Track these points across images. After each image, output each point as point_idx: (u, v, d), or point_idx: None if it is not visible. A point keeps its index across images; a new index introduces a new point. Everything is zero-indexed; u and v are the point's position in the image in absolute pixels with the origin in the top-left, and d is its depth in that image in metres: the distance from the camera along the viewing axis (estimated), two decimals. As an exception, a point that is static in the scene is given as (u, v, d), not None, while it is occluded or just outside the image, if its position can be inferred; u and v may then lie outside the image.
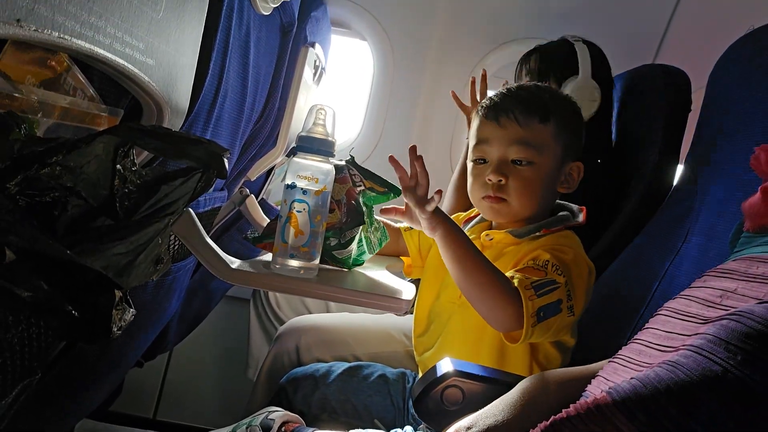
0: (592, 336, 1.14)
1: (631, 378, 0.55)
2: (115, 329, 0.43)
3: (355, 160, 0.99)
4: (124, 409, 2.02)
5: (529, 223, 1.09)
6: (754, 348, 0.50)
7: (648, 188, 1.50)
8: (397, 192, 0.93)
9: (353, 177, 0.94)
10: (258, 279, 0.86)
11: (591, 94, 1.54)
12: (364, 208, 0.94)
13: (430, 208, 0.91)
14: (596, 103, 1.54)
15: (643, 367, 0.62)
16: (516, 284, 0.91)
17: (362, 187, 0.93)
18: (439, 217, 0.93)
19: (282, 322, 1.79)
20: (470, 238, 1.12)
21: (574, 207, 1.13)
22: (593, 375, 0.74)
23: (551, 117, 1.05)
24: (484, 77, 1.67)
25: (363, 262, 1.01)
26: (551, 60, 1.59)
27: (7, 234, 0.37)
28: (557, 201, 1.16)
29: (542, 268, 0.96)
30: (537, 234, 1.06)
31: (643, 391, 0.53)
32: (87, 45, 0.44)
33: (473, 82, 1.65)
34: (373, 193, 0.95)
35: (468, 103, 1.66)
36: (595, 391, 0.68)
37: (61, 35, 0.40)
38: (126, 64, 0.51)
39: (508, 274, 0.95)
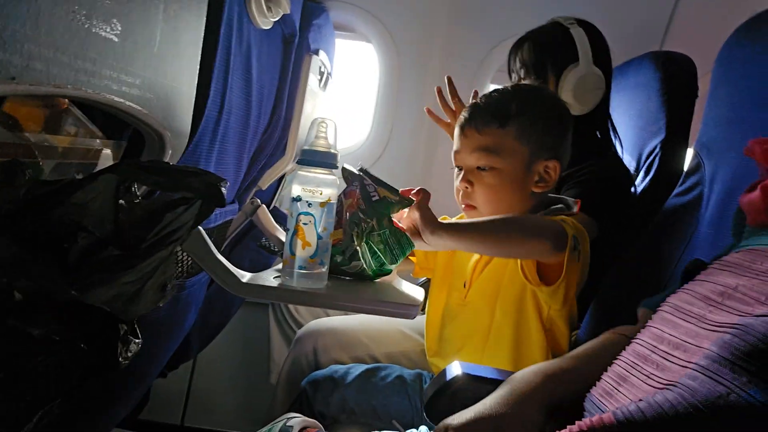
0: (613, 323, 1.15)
1: (639, 400, 0.56)
2: (122, 360, 0.46)
3: (367, 164, 1.00)
4: (153, 417, 2.07)
5: None
6: (758, 368, 0.51)
7: (658, 176, 1.49)
8: (407, 203, 0.92)
9: (367, 187, 0.92)
10: (269, 292, 0.88)
11: (595, 82, 1.44)
12: (368, 220, 0.93)
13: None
14: (601, 90, 1.46)
15: (648, 378, 0.62)
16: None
17: (377, 197, 0.91)
18: (439, 227, 0.93)
19: (300, 326, 1.81)
20: None
21: (569, 200, 1.14)
22: (581, 363, 0.75)
23: (511, 120, 1.07)
24: (449, 83, 1.58)
25: (390, 271, 1.00)
26: (545, 48, 1.48)
27: (18, 278, 0.40)
28: (551, 195, 1.17)
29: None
30: None
31: (651, 415, 0.53)
32: (83, 90, 0.46)
33: (439, 91, 1.56)
34: (389, 202, 0.92)
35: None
36: (599, 402, 0.68)
37: (57, 84, 0.42)
38: (123, 101, 0.53)
39: None
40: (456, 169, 1.15)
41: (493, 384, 0.85)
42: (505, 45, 2.02)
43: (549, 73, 1.47)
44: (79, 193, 0.49)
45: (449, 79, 1.56)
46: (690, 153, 1.43)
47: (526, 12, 1.98)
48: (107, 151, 0.61)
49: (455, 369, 0.85)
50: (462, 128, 1.11)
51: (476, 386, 0.84)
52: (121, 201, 0.51)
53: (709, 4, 1.88)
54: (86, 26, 0.43)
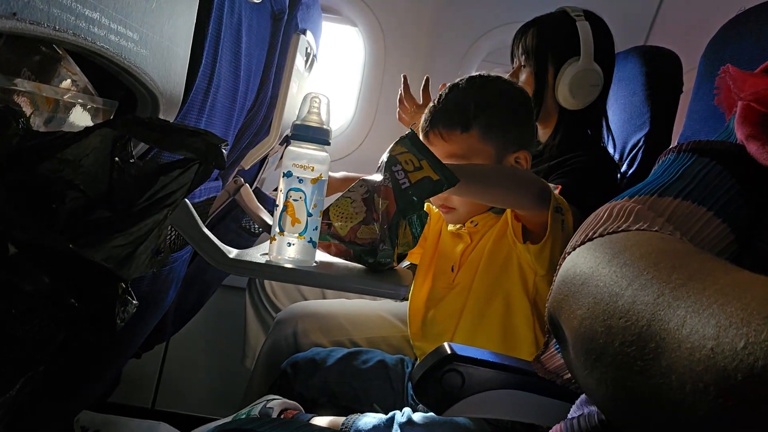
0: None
1: None
2: (119, 322, 0.43)
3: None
4: (123, 400, 2.03)
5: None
6: None
7: (641, 169, 1.51)
8: (452, 181, 0.83)
9: (396, 174, 0.84)
10: (256, 268, 0.86)
11: (593, 78, 1.44)
12: (406, 223, 0.86)
13: None
14: (598, 87, 1.46)
15: None
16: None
17: (407, 184, 0.83)
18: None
19: (277, 310, 1.80)
20: (456, 230, 1.15)
21: (550, 185, 1.14)
22: None
23: (473, 123, 1.07)
24: (426, 84, 1.61)
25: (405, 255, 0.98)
26: (550, 37, 1.47)
27: (10, 228, 0.38)
28: None
29: None
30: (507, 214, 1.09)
31: None
32: (83, 37, 0.43)
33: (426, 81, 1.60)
34: (424, 185, 0.83)
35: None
36: None
37: (58, 28, 0.40)
38: (122, 55, 0.51)
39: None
40: None
41: (482, 365, 0.85)
42: (492, 35, 2.03)
43: (548, 64, 1.47)
44: (72, 148, 0.46)
45: (426, 80, 1.61)
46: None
47: (513, 1, 1.99)
48: (101, 110, 0.59)
49: (445, 350, 0.84)
50: (426, 135, 1.11)
51: (466, 367, 0.83)
52: (116, 159, 0.49)
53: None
54: (88, -31, 0.41)
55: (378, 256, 0.85)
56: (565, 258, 0.52)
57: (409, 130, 0.91)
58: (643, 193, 0.55)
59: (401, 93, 1.63)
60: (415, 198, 0.83)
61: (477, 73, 1.15)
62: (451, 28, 2.03)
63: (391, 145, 0.90)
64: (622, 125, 1.60)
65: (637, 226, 0.49)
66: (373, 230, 0.83)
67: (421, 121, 1.13)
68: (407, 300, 1.26)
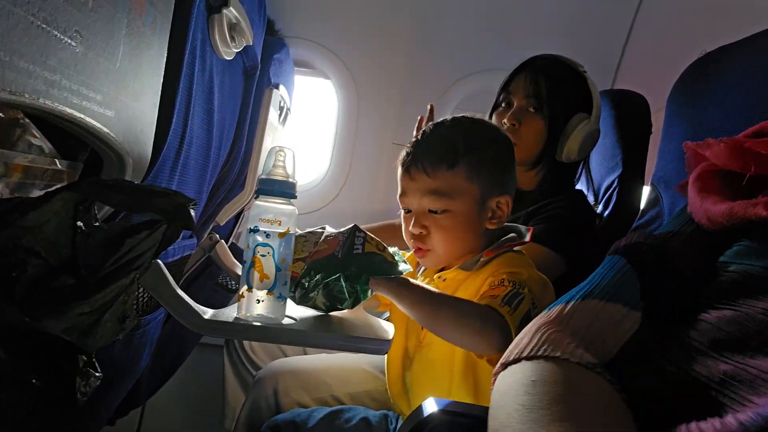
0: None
1: None
2: (80, 396, 0.41)
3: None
4: (97, 470, 1.93)
5: (475, 254, 1.09)
6: None
7: (616, 209, 1.52)
8: (401, 272, 0.90)
9: (356, 239, 0.89)
10: (233, 329, 0.84)
11: (596, 139, 1.47)
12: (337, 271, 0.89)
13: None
14: (595, 145, 1.49)
15: None
16: (490, 306, 0.91)
17: (359, 251, 0.88)
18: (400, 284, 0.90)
19: (257, 368, 1.74)
20: (425, 281, 1.12)
21: (521, 228, 1.13)
22: None
23: (460, 161, 1.04)
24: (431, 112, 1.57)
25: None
26: (564, 89, 1.45)
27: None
28: (505, 224, 1.16)
29: (501, 284, 0.96)
30: (484, 260, 1.06)
31: None
32: (42, 100, 0.42)
33: (431, 110, 1.56)
34: (373, 258, 0.89)
35: None
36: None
37: (13, 91, 0.38)
38: (83, 117, 0.49)
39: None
40: (403, 212, 1.12)
41: (468, 418, 0.82)
42: (463, 83, 2.06)
43: (560, 117, 1.44)
44: (31, 215, 0.44)
45: (431, 108, 1.56)
46: (647, 188, 1.47)
47: (483, 51, 2.03)
48: (65, 173, 0.57)
49: (430, 406, 0.82)
50: (408, 170, 1.07)
51: (452, 421, 0.80)
52: (79, 223, 0.47)
53: (657, 44, 1.96)
54: (47, 31, 0.40)
55: (294, 296, 0.90)
56: (496, 376, 0.64)
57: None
58: (576, 297, 0.66)
59: (419, 122, 1.56)
60: (353, 268, 0.87)
61: (461, 114, 1.14)
62: (423, 77, 2.06)
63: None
64: (596, 167, 1.63)
65: (555, 354, 0.59)
66: (301, 268, 0.89)
67: (401, 156, 1.10)
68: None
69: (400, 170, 1.10)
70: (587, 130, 1.44)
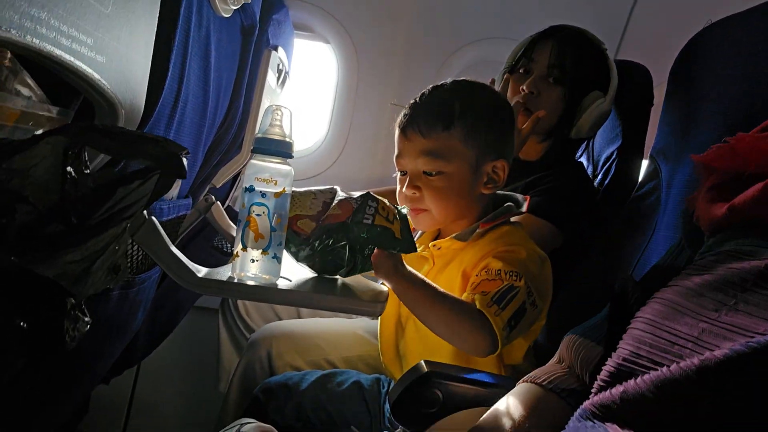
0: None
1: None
2: (69, 340, 0.40)
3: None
4: (92, 429, 1.95)
5: (471, 223, 1.09)
6: None
7: (615, 181, 1.51)
8: (411, 249, 0.86)
9: (368, 208, 0.86)
10: (228, 287, 0.83)
11: (605, 118, 1.46)
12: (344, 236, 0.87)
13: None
14: (602, 126, 1.48)
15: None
16: (478, 306, 0.90)
17: (369, 221, 0.85)
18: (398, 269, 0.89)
19: (252, 331, 1.75)
20: (421, 251, 1.11)
21: (519, 197, 1.12)
22: None
23: (456, 122, 1.03)
24: None
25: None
26: (587, 65, 1.43)
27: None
28: (501, 193, 1.15)
29: (497, 278, 0.95)
30: (480, 231, 1.06)
31: None
32: (29, 38, 0.41)
33: None
34: (380, 232, 0.85)
35: None
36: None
37: (1, 26, 0.37)
38: (74, 60, 0.48)
39: (465, 296, 0.95)
40: (399, 174, 1.11)
41: (461, 382, 0.83)
42: (466, 50, 2.03)
43: (577, 87, 1.42)
44: (18, 157, 0.43)
45: None
46: (645, 162, 1.46)
47: (488, 17, 2.00)
48: (56, 120, 0.55)
49: (423, 368, 0.82)
50: (404, 131, 1.06)
51: (444, 385, 0.81)
52: (69, 169, 0.46)
53: (663, 13, 1.93)
54: (35, -35, 0.39)
55: (298, 252, 0.87)
56: None
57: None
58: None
59: None
60: (364, 235, 0.84)
61: (462, 78, 1.12)
62: (424, 43, 2.03)
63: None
64: (596, 138, 1.61)
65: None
66: (311, 227, 0.86)
67: (399, 118, 1.09)
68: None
69: (397, 132, 1.09)
70: (601, 109, 1.42)
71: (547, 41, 1.44)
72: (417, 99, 1.08)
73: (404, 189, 1.07)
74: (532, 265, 0.98)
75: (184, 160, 0.51)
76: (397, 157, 1.09)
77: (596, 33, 1.51)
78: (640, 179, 1.41)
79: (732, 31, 1.15)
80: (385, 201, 0.89)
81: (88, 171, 0.49)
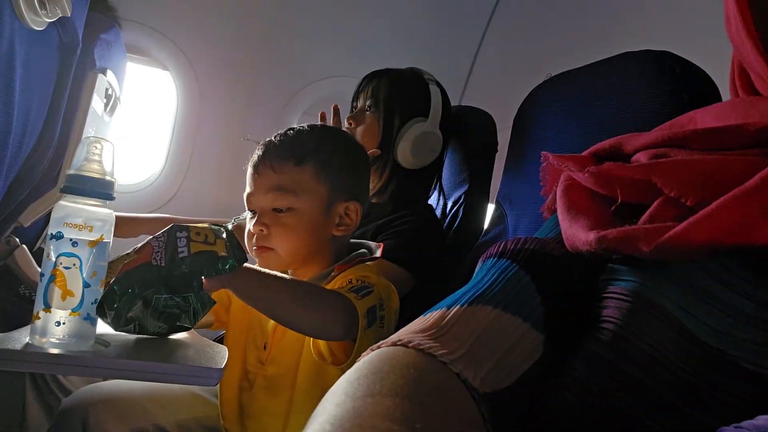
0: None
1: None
2: None
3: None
4: None
5: (324, 268, 1.04)
6: None
7: (462, 225, 1.53)
8: (241, 259, 0.78)
9: (179, 240, 0.75)
10: (21, 358, 0.68)
11: (434, 142, 1.46)
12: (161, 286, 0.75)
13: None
14: (436, 153, 1.48)
15: None
16: (336, 292, 0.88)
17: (185, 254, 0.74)
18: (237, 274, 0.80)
19: (68, 393, 1.51)
20: None
21: (372, 244, 1.10)
22: None
23: (309, 158, 1.00)
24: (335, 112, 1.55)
25: (188, 328, 0.84)
26: (402, 92, 1.47)
27: None
28: (354, 241, 1.12)
29: (350, 282, 0.92)
30: (333, 274, 1.01)
31: None
32: None
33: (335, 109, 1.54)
34: (202, 258, 0.75)
35: None
36: None
37: None
38: None
39: None
40: (249, 214, 1.03)
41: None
42: (314, 87, 1.99)
43: (396, 117, 1.45)
44: None
45: (335, 107, 1.54)
46: (491, 205, 1.49)
47: (334, 56, 1.98)
48: None
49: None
50: (256, 167, 1.01)
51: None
52: None
53: (504, 63, 2.04)
54: None
55: (109, 318, 0.75)
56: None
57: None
58: (462, 302, 0.55)
59: (320, 117, 1.55)
60: (185, 269, 0.73)
61: (319, 123, 1.10)
62: (271, 78, 1.96)
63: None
64: (446, 182, 1.63)
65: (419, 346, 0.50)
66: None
67: (252, 158, 1.03)
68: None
69: (249, 170, 1.03)
70: (420, 131, 1.44)
71: (370, 80, 1.52)
72: (272, 138, 1.04)
73: (251, 227, 0.99)
74: (381, 288, 0.95)
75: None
76: (248, 195, 1.02)
77: (441, 78, 1.55)
78: (486, 224, 1.44)
79: (569, 83, 1.21)
80: (198, 225, 0.79)
81: None
